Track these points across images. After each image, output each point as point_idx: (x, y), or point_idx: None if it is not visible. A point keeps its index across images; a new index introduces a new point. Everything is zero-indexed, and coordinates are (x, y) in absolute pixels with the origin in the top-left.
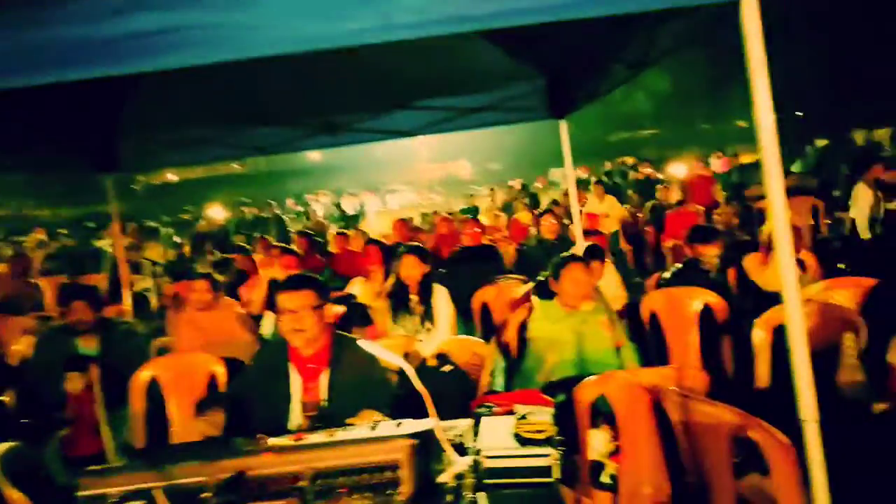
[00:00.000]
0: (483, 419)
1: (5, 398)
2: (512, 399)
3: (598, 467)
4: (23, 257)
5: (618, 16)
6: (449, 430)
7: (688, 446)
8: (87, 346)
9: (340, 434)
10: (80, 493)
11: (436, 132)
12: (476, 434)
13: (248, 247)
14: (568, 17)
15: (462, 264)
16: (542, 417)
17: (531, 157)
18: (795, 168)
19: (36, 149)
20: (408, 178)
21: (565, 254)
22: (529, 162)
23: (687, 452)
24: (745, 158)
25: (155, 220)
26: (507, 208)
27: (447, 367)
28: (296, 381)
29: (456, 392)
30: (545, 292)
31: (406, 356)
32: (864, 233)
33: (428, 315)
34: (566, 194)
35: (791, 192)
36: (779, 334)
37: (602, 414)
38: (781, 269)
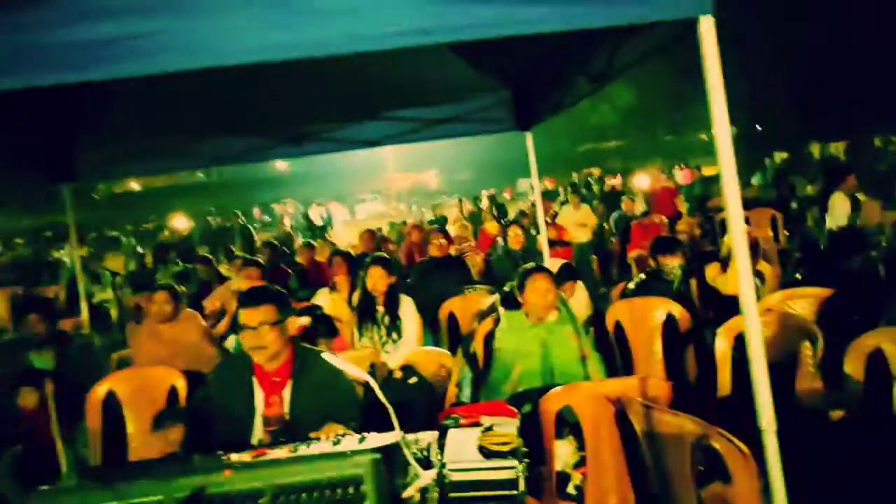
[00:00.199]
0: (449, 432)
1: None
2: (478, 411)
3: (563, 478)
4: None
5: (580, 30)
6: (414, 443)
7: (651, 456)
8: (42, 359)
9: (303, 449)
10: None
11: (402, 142)
12: (441, 447)
13: (211, 257)
14: (531, 32)
15: (429, 275)
16: (507, 429)
17: (500, 168)
18: (755, 180)
19: None
20: (376, 188)
21: (529, 265)
22: (498, 172)
23: (651, 462)
24: (708, 171)
25: (118, 229)
26: (476, 219)
27: (413, 379)
28: (259, 395)
29: (422, 404)
30: (511, 303)
31: (372, 368)
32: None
33: (395, 326)
34: (534, 205)
35: (750, 204)
36: (740, 343)
37: (568, 424)
38: (740, 279)
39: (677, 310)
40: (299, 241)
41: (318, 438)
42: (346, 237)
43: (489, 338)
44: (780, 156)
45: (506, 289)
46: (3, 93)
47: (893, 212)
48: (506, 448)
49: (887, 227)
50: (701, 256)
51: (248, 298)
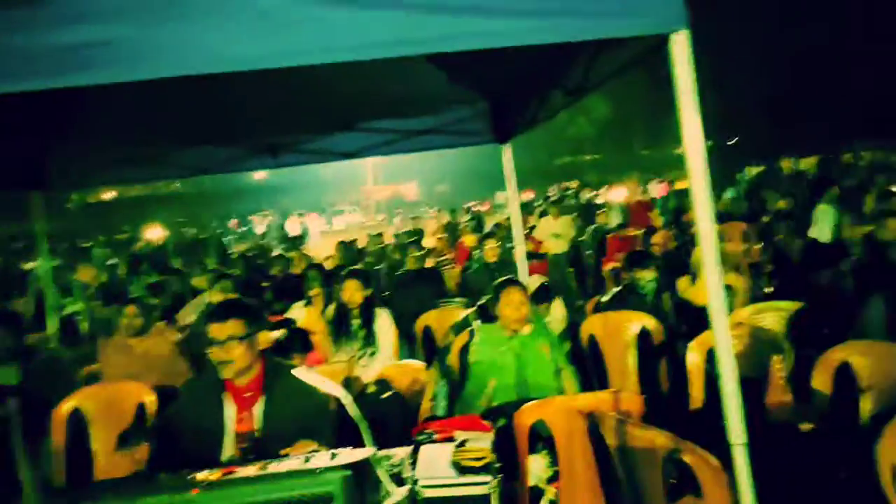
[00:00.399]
0: (422, 447)
1: None
2: (452, 425)
3: (537, 493)
4: None
5: (556, 44)
6: (386, 459)
7: (624, 470)
8: (6, 375)
9: (273, 466)
10: None
11: (380, 154)
12: (414, 463)
13: (183, 270)
14: (508, 44)
15: (405, 288)
16: (481, 444)
17: (480, 180)
18: (728, 194)
19: None
20: (355, 199)
21: (503, 278)
22: (478, 184)
23: (623, 476)
24: (682, 184)
25: (90, 239)
26: (453, 231)
27: (387, 394)
28: (229, 411)
29: (396, 419)
30: (487, 316)
31: (346, 382)
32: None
33: (370, 339)
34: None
35: (723, 218)
36: (713, 357)
37: (541, 439)
38: (709, 293)
39: (651, 323)
40: (276, 251)
41: (288, 455)
42: (323, 249)
43: (464, 351)
44: (751, 170)
45: (481, 302)
46: None
47: (862, 227)
48: (479, 463)
49: (856, 241)
50: (674, 270)
51: (216, 312)
